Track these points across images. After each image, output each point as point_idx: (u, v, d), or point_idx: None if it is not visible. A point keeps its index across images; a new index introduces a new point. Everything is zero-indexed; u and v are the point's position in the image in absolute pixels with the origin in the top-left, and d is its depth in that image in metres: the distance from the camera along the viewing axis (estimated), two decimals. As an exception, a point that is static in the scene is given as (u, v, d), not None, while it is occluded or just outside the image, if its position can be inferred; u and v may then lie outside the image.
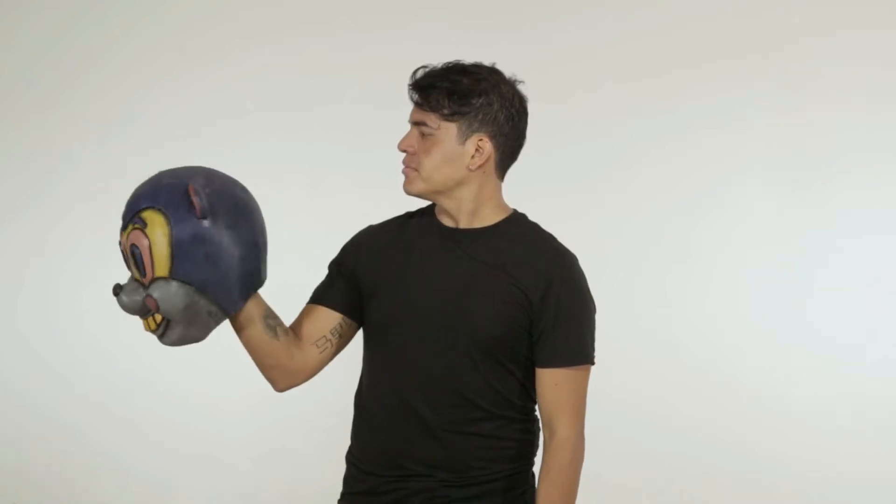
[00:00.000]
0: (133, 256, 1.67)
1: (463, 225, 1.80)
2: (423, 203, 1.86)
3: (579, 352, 1.77)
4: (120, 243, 1.69)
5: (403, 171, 1.78)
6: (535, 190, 3.37)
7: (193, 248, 1.64)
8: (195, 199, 1.66)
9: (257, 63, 3.70)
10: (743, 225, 3.58)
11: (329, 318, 1.83)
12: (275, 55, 3.69)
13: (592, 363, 1.80)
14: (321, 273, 1.90)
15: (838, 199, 3.54)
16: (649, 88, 3.59)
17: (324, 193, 3.58)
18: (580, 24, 3.64)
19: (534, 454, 1.87)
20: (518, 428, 1.82)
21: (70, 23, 3.76)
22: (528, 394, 1.82)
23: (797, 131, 3.56)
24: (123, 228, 1.68)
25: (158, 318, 1.72)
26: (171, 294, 1.67)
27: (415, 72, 1.77)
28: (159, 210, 1.65)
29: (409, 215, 1.88)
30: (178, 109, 3.71)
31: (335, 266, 1.88)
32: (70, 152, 3.76)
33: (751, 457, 3.49)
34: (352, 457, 1.87)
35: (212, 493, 3.59)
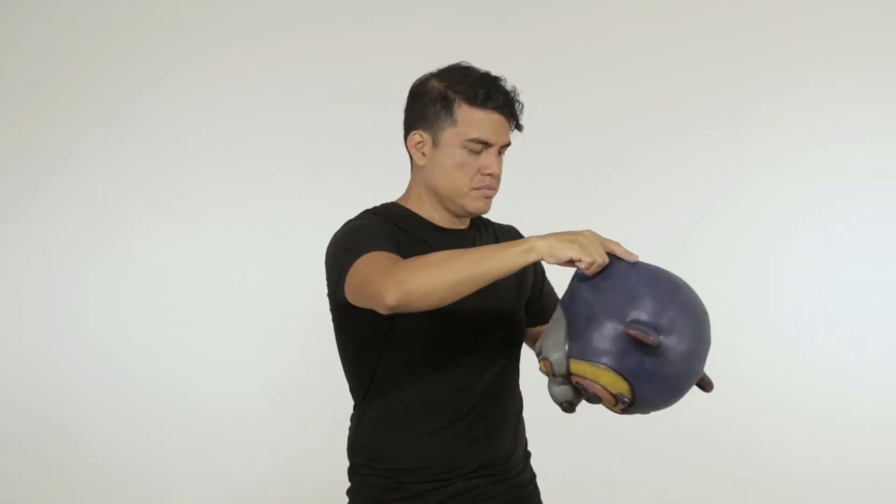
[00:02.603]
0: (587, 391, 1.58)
1: (463, 225, 1.84)
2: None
3: None
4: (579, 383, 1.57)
5: (489, 194, 1.76)
6: (535, 189, 3.38)
7: (651, 374, 1.55)
8: (643, 338, 1.51)
9: (257, 63, 3.70)
10: (743, 225, 3.58)
11: None
12: (275, 55, 3.69)
13: None
14: (321, 271, 1.79)
15: (839, 200, 3.54)
16: (649, 88, 3.59)
17: (324, 193, 3.58)
18: (580, 25, 3.64)
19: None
20: (522, 415, 1.89)
21: (70, 23, 3.76)
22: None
23: (797, 131, 3.56)
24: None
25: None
26: None
27: (488, 92, 1.70)
28: (607, 368, 1.53)
29: (385, 215, 1.79)
30: (178, 109, 3.71)
31: (378, 227, 1.72)
32: (70, 152, 3.76)
33: (751, 457, 3.49)
34: (382, 464, 1.79)
35: (212, 494, 3.59)
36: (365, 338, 1.78)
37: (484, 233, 1.87)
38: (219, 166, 3.71)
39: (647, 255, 3.66)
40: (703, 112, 3.57)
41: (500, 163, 1.75)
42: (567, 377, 1.58)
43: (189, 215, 3.69)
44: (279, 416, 3.62)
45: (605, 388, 1.54)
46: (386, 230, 1.71)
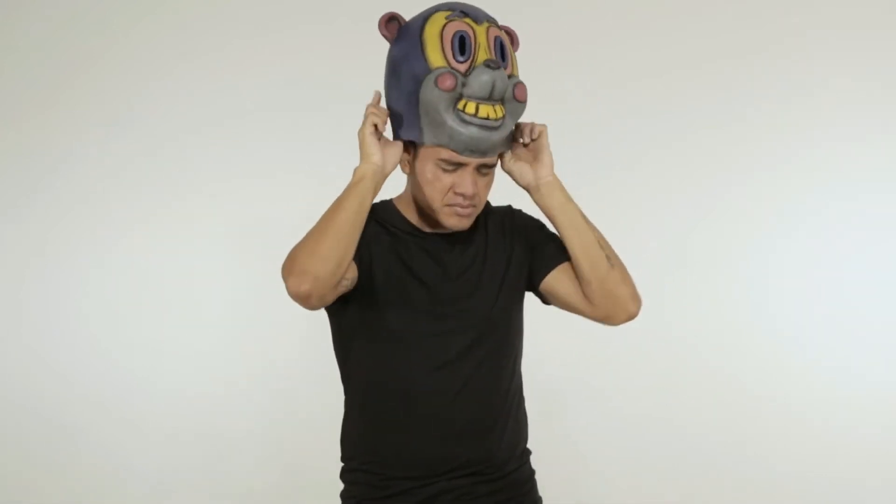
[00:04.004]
0: (500, 50, 1.74)
1: (448, 229, 1.83)
2: None
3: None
4: (464, 35, 1.69)
5: (462, 212, 1.75)
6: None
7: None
8: (515, 35, 1.87)
9: (257, 63, 3.70)
10: (743, 225, 3.58)
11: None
12: (275, 55, 3.69)
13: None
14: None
15: (839, 200, 3.55)
16: (649, 88, 3.59)
17: (324, 193, 3.57)
18: (580, 24, 3.64)
19: (528, 439, 1.92)
20: (523, 410, 1.89)
21: (70, 23, 3.76)
22: (520, 372, 1.89)
23: (797, 131, 3.56)
24: (478, 22, 1.72)
25: (500, 111, 1.69)
26: None
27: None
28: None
29: (372, 212, 1.81)
30: (179, 109, 3.70)
31: None
32: (70, 152, 3.76)
33: (751, 457, 3.49)
34: (367, 463, 1.83)
35: (211, 493, 3.59)
36: (340, 337, 1.84)
37: (478, 233, 1.86)
38: (219, 166, 3.70)
39: (648, 253, 3.69)
40: (703, 112, 3.57)
41: (476, 182, 1.73)
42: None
43: (189, 215, 3.69)
44: (280, 417, 3.62)
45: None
46: None
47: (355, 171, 1.70)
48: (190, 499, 3.59)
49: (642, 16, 3.63)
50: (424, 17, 1.72)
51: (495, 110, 1.67)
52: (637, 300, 1.81)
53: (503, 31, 1.78)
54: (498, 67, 1.66)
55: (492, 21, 1.74)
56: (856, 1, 3.54)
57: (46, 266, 3.75)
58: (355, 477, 1.85)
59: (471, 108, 1.65)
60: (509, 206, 1.94)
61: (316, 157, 3.64)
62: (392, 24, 1.74)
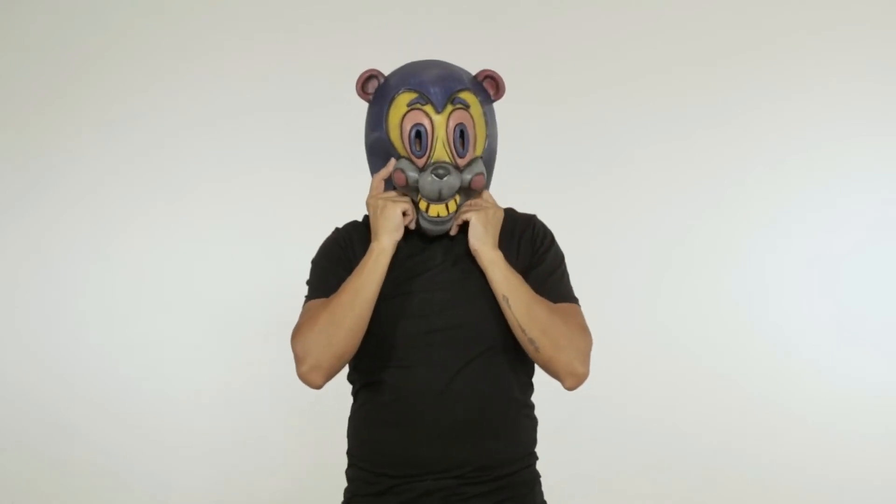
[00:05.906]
0: (460, 136, 1.74)
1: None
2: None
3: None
4: (420, 130, 1.73)
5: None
6: (533, 189, 3.37)
7: (494, 126, 1.79)
8: (501, 81, 1.78)
9: (257, 63, 3.70)
10: (740, 225, 3.58)
11: None
12: (275, 55, 3.69)
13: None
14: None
15: (838, 199, 3.54)
16: (649, 88, 3.59)
17: (324, 193, 3.58)
18: (580, 24, 3.64)
19: (536, 443, 1.90)
20: (526, 414, 1.88)
21: (70, 23, 3.76)
22: (529, 380, 1.90)
23: (797, 130, 3.56)
24: (439, 110, 1.73)
25: (453, 205, 1.76)
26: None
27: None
28: (472, 91, 1.76)
29: (357, 230, 1.89)
30: (178, 109, 3.70)
31: (328, 259, 1.86)
32: (70, 152, 3.75)
33: (750, 459, 3.49)
34: (361, 459, 1.85)
35: (211, 493, 3.59)
36: None
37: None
38: (219, 166, 3.70)
39: (648, 252, 3.68)
40: (700, 112, 3.57)
41: None
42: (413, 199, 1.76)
43: (189, 215, 3.69)
44: (280, 417, 3.62)
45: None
46: (337, 255, 1.85)
47: (373, 246, 1.74)
48: (190, 499, 3.59)
49: (642, 15, 3.63)
50: (392, 91, 1.77)
51: (447, 207, 1.75)
52: (572, 377, 1.79)
53: (482, 83, 1.80)
54: (447, 173, 1.70)
55: (457, 103, 1.74)
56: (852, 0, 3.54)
57: (45, 266, 3.75)
58: (353, 472, 1.88)
59: (423, 205, 1.76)
60: (533, 216, 1.92)
61: (316, 157, 3.65)
62: (371, 83, 1.81)
